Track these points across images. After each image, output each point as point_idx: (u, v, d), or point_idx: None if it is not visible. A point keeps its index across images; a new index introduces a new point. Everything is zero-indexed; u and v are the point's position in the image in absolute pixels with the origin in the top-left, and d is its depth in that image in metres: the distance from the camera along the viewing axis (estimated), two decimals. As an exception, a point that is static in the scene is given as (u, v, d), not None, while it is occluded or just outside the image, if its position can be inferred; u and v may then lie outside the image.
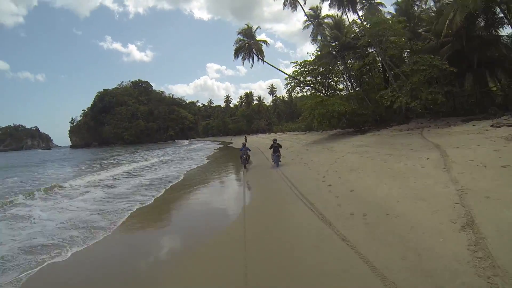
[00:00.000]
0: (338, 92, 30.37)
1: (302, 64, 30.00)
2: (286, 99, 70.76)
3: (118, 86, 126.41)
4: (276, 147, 12.47)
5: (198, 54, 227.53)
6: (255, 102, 78.99)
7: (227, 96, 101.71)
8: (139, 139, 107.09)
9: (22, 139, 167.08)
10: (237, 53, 35.07)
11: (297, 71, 30.35)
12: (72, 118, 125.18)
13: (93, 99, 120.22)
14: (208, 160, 22.39)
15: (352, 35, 26.70)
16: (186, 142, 76.20)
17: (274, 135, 39.85)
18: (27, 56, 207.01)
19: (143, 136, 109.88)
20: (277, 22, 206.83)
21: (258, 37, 35.27)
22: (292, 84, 31.64)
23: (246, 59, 34.61)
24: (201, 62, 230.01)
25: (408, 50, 21.77)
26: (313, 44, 30.26)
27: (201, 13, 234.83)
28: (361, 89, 26.29)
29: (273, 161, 12.57)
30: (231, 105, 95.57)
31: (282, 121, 62.11)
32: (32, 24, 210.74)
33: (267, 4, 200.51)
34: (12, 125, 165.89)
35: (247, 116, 74.84)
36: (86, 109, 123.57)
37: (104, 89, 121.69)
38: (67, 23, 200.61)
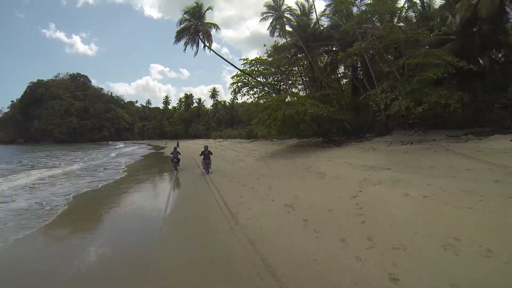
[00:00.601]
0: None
1: (253, 62, 27.26)
2: (228, 104, 68.56)
3: (54, 78, 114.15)
4: (206, 154, 12.30)
5: (143, 53, 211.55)
6: (195, 105, 74.21)
7: (166, 97, 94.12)
8: (70, 138, 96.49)
9: None
10: (179, 36, 28.35)
11: (246, 69, 27.74)
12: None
13: (24, 90, 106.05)
14: (124, 174, 15.91)
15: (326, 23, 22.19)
16: (121, 144, 68.72)
17: (213, 142, 37.45)
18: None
19: (75, 134, 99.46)
20: (226, 27, 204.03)
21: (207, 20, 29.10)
22: (239, 84, 28.43)
23: (190, 44, 28.78)
24: (145, 62, 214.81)
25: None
26: (272, 37, 27.20)
27: (152, 11, 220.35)
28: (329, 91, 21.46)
29: (203, 168, 12.40)
30: (170, 107, 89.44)
31: (222, 127, 59.40)
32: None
33: (218, 8, 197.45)
34: None
35: (185, 120, 69.84)
36: (15, 100, 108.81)
37: (38, 80, 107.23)
38: (9, 2, 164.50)
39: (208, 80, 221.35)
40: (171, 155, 15.26)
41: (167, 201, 8.79)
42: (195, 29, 28.17)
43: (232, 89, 29.20)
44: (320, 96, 19.83)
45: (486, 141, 10.95)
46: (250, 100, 30.10)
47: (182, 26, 28.30)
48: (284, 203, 6.53)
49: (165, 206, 8.08)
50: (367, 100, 15.14)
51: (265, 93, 28.15)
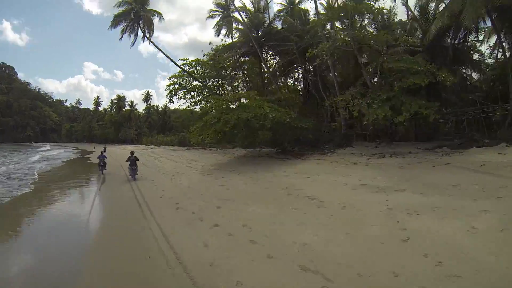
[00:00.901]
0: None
1: (194, 63, 25.54)
2: (161, 109, 65.59)
3: None
4: (133, 160, 11.66)
5: (78, 49, 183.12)
6: (127, 107, 68.53)
7: (97, 98, 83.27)
8: None
9: None
10: (117, 20, 24.10)
11: (187, 70, 25.83)
12: None
13: None
14: (32, 187, 11.31)
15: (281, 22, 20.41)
16: (47, 147, 61.17)
17: (144, 148, 35.45)
18: None
19: None
20: (165, 31, 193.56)
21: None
22: (177, 86, 26.29)
23: (128, 32, 24.41)
24: (79, 59, 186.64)
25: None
26: (217, 36, 25.34)
27: (91, 6, 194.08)
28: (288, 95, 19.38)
29: (130, 175, 11.70)
30: (101, 109, 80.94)
31: (153, 133, 56.72)
32: None
33: (163, 11, 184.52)
34: None
35: (115, 123, 64.15)
36: None
37: None
38: None
39: (142, 85, 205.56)
40: (98, 159, 14.88)
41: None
42: (135, 14, 23.78)
43: (168, 91, 26.70)
44: (277, 100, 17.35)
45: (470, 154, 9.98)
46: (186, 105, 28.03)
47: (121, 9, 23.66)
48: (298, 263, 3.58)
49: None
50: (331, 107, 13.10)
51: (203, 97, 26.50)
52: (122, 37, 24.90)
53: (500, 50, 14.59)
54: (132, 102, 69.80)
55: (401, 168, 8.69)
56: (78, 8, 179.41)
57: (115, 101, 70.42)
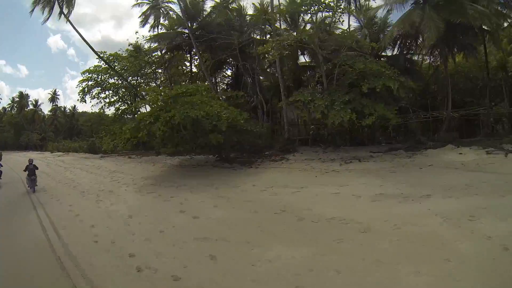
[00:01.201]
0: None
1: (112, 58, 23.28)
2: (68, 111, 59.63)
3: None
4: (31, 169, 10.69)
5: None
6: (30, 107, 59.22)
7: None
8: None
9: None
10: None
11: (99, 67, 23.56)
12: None
13: None
14: None
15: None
16: None
17: (50, 156, 31.79)
18: None
19: None
20: (78, 26, 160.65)
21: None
22: (90, 83, 24.00)
23: (41, 4, 19.36)
24: None
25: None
26: (142, 27, 24.17)
27: None
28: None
29: (28, 186, 10.74)
30: None
31: (60, 138, 51.35)
32: None
33: (77, 3, 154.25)
34: None
35: (16, 125, 55.63)
36: None
37: None
38: None
39: (48, 83, 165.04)
40: None
41: None
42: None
43: (81, 88, 24.05)
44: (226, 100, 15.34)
45: (433, 155, 10.27)
46: (99, 105, 25.55)
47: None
48: None
49: None
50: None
51: (119, 97, 24.80)
52: (33, 9, 20.02)
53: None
54: (36, 101, 60.70)
55: (394, 173, 8.07)
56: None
57: (17, 99, 60.53)
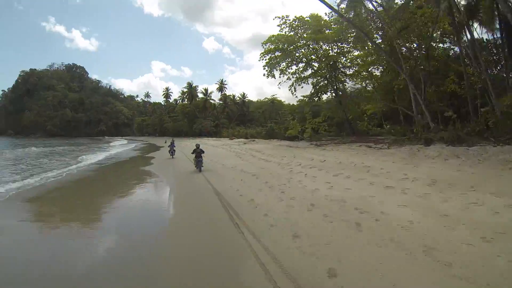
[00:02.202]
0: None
1: (295, 23, 19.88)
2: (238, 99, 59.81)
3: (48, 68, 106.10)
4: (198, 153, 12.37)
5: (144, 50, 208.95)
6: (201, 96, 60.98)
7: (167, 89, 79.84)
8: (64, 132, 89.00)
9: None
10: None
11: (283, 35, 20.36)
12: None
13: (16, 79, 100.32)
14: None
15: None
16: (123, 141, 54.71)
17: (231, 143, 29.26)
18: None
19: (69, 128, 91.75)
20: (227, 27, 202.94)
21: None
22: (277, 54, 20.98)
23: None
24: (146, 59, 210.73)
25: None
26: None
27: (152, 8, 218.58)
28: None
29: (196, 166, 12.32)
30: (171, 100, 76.55)
31: (233, 124, 52.24)
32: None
33: (219, 7, 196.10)
34: None
35: (189, 114, 57.48)
36: (6, 90, 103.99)
37: (30, 69, 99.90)
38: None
39: (210, 80, 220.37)
40: (169, 147, 18.96)
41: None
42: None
43: (266, 60, 21.39)
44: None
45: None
46: (289, 83, 22.40)
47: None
48: None
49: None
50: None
51: (314, 71, 21.43)
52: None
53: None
54: (206, 89, 61.13)
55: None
56: (139, 11, 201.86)
57: (186, 90, 62.82)
